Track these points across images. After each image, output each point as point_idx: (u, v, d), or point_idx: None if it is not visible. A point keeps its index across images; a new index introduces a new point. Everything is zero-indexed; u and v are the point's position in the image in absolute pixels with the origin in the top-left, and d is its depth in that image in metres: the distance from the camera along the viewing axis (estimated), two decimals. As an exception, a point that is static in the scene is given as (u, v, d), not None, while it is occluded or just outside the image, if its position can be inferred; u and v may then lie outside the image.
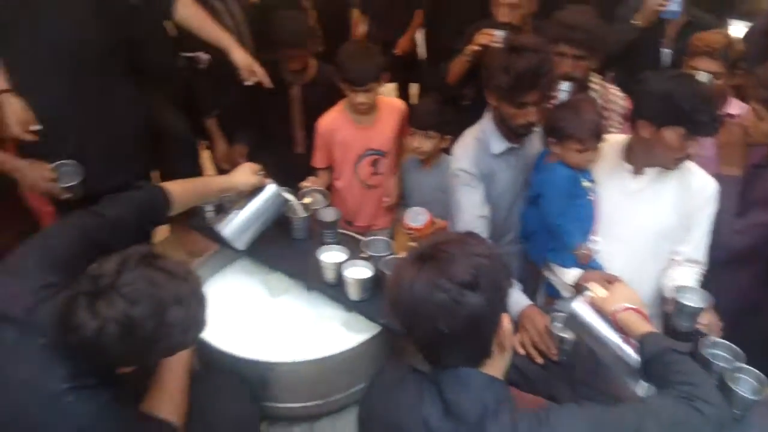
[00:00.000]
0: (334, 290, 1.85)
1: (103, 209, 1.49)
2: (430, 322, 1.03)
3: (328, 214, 2.02)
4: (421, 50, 3.40)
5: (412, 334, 1.08)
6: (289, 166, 2.42)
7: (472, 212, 1.85)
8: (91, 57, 2.03)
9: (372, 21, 3.39)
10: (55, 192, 2.01)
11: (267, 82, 2.19)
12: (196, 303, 1.24)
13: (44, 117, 1.94)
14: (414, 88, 3.64)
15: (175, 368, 1.42)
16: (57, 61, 1.96)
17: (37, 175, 1.98)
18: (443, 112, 2.26)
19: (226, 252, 2.04)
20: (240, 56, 2.13)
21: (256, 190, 1.91)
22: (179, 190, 1.68)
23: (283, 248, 2.02)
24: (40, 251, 1.36)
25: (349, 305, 1.83)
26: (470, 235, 1.15)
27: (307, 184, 2.28)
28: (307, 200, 2.10)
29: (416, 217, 2.03)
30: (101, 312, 1.12)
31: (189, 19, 2.13)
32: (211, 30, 2.14)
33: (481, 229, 1.81)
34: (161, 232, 2.78)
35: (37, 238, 1.42)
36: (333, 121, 2.40)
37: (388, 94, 3.09)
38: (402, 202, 2.47)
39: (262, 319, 1.88)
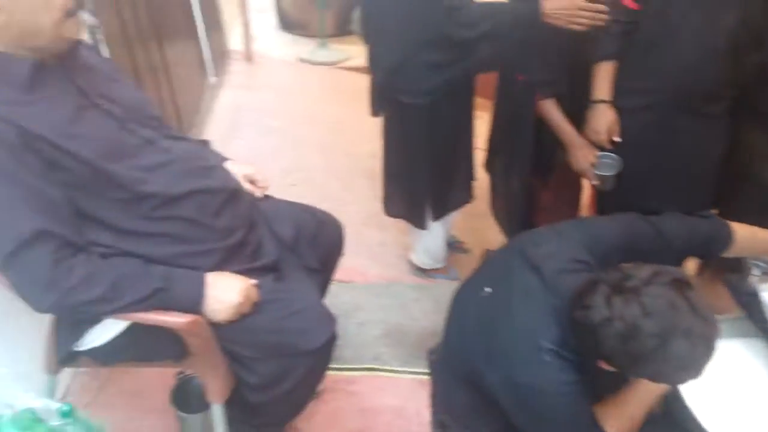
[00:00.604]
0: None
1: (659, 222, 1.53)
2: None
3: None
4: None
5: None
6: None
7: None
8: (708, 90, 2.04)
9: None
10: (588, 175, 2.18)
11: None
12: (704, 348, 1.17)
13: (631, 130, 2.09)
14: None
15: (646, 396, 1.39)
16: (675, 87, 2.04)
17: (582, 155, 2.15)
18: None
19: (747, 324, 1.79)
20: None
21: None
22: (745, 234, 1.58)
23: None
24: (588, 231, 1.51)
25: None
26: None
27: None
28: None
29: None
30: (615, 306, 1.18)
31: None
32: None
33: None
34: (689, 266, 2.65)
35: (591, 219, 1.59)
36: None
37: None
38: None
39: (746, 410, 1.61)
